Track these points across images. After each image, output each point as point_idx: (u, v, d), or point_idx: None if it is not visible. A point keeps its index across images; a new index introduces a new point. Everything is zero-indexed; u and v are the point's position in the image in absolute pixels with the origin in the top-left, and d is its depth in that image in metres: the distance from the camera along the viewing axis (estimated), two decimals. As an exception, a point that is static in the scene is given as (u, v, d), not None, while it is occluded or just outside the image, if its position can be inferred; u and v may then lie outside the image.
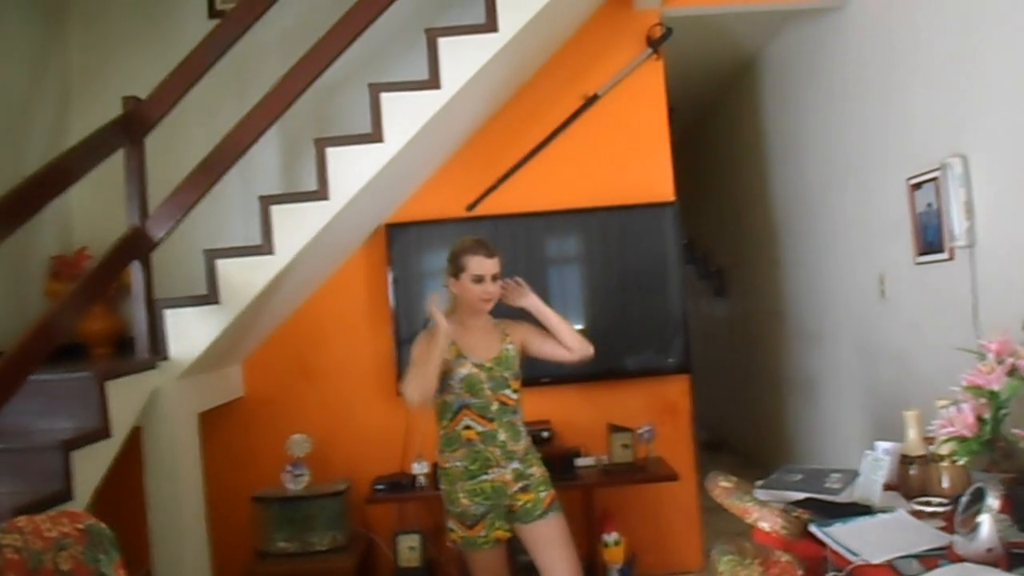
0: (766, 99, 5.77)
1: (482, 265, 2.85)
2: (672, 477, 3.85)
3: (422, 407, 2.86)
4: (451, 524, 2.88)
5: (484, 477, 2.83)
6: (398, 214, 4.30)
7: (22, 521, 2.11)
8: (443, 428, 2.89)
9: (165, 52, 3.77)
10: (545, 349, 3.01)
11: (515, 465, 2.87)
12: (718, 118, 7.10)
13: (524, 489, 2.89)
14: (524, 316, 3.06)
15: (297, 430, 3.98)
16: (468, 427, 2.84)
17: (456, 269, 2.89)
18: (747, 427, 6.94)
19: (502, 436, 2.85)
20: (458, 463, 2.84)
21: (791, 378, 5.65)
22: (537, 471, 2.96)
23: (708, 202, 7.41)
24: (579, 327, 4.26)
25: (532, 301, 2.99)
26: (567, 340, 2.98)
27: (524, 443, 2.94)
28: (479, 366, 2.85)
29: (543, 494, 2.92)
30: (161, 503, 3.36)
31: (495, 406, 2.85)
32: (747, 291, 6.69)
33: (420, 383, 2.76)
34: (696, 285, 7.92)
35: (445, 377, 2.84)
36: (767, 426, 6.30)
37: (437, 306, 2.82)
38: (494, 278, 2.88)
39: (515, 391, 2.92)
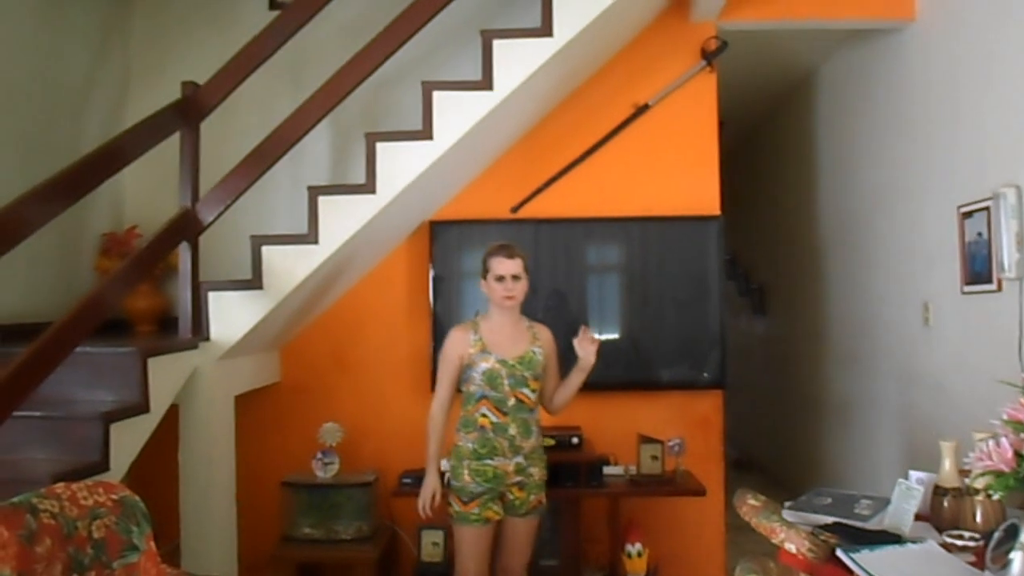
0: (818, 118, 5.72)
1: (502, 265, 3.10)
2: (700, 492, 3.83)
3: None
4: (450, 499, 3.14)
5: (488, 462, 3.08)
6: (442, 212, 4.33)
7: (59, 488, 2.17)
8: (465, 411, 3.16)
9: (225, 40, 3.82)
10: (547, 385, 3.25)
11: (519, 459, 3.10)
12: (769, 134, 7.05)
13: (520, 486, 3.13)
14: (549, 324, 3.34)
15: (330, 419, 4.02)
16: (484, 415, 3.09)
17: (484, 270, 3.16)
18: (777, 447, 6.87)
19: (512, 430, 3.08)
20: (469, 444, 3.10)
21: (826, 401, 5.59)
22: (537, 473, 3.18)
23: (753, 218, 7.36)
24: (615, 336, 4.29)
25: (589, 361, 3.14)
26: (560, 401, 3.27)
27: (533, 441, 3.16)
28: (501, 362, 3.09)
29: (532, 497, 3.16)
30: (193, 480, 3.42)
31: (511, 401, 3.09)
32: (787, 310, 6.62)
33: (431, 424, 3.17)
34: (736, 301, 7.86)
35: (468, 369, 3.13)
36: (798, 448, 6.23)
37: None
38: (515, 278, 3.11)
39: (534, 391, 3.15)
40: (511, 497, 3.12)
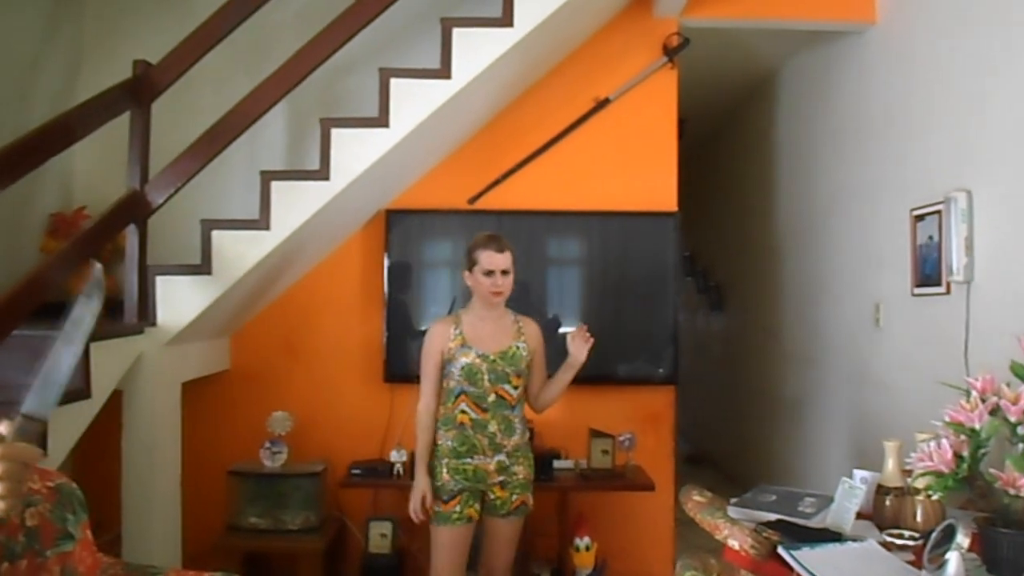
0: (778, 118, 5.76)
1: (492, 260, 2.96)
2: (649, 487, 3.85)
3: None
4: None
5: (468, 460, 2.97)
6: (399, 201, 4.28)
7: (-9, 474, 2.10)
8: (444, 408, 3.03)
9: (180, 19, 3.74)
10: (533, 381, 3.14)
11: (500, 458, 2.99)
12: (728, 133, 7.09)
13: (502, 485, 3.01)
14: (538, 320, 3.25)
15: (279, 407, 3.97)
16: (464, 412, 2.98)
17: (470, 263, 3.01)
18: (730, 443, 6.94)
19: (492, 428, 2.97)
20: (449, 442, 2.99)
21: (778, 398, 5.65)
22: (521, 472, 3.06)
23: (711, 216, 7.41)
24: (572, 329, 4.28)
25: (580, 359, 3.05)
26: (546, 399, 3.16)
27: (517, 439, 3.04)
28: (482, 357, 2.96)
29: (515, 497, 3.04)
30: (136, 469, 3.35)
31: (492, 398, 2.97)
32: (743, 308, 6.68)
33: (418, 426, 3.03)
34: (693, 298, 7.92)
35: (448, 364, 3.00)
36: (750, 444, 6.30)
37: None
38: (504, 272, 2.97)
39: (516, 387, 3.02)
40: (492, 497, 3.00)
